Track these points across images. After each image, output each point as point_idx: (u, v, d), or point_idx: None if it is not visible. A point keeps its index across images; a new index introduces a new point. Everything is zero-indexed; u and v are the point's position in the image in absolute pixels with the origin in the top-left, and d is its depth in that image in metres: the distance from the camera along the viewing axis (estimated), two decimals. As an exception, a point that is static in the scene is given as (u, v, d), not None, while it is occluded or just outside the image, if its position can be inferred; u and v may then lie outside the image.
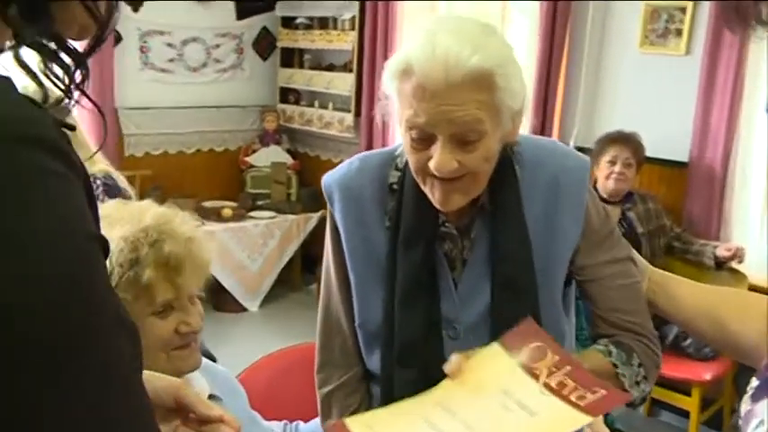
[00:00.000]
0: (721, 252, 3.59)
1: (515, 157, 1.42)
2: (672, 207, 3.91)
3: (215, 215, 5.14)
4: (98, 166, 2.70)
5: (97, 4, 0.70)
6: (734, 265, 3.61)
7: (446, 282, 1.45)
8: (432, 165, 1.28)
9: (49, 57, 0.67)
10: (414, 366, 1.42)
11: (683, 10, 3.85)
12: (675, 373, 3.33)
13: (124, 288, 1.32)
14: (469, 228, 1.44)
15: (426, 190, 1.35)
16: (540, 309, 1.40)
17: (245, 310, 5.24)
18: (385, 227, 1.46)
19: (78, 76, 0.70)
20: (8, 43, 0.66)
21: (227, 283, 5.08)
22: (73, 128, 0.69)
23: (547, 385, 1.12)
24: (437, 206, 1.36)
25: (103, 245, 0.63)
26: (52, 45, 0.68)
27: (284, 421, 1.78)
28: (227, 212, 5.16)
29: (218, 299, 5.15)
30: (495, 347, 1.19)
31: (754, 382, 0.97)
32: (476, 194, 1.37)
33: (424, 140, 1.29)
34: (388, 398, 1.45)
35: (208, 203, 5.30)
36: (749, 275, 3.59)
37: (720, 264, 3.60)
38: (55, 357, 0.56)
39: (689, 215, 3.90)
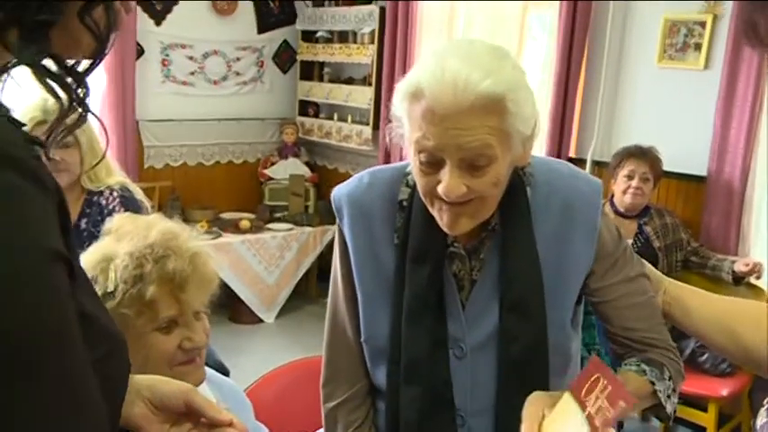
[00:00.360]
0: (739, 267, 3.57)
1: (527, 179, 1.42)
2: (689, 221, 3.93)
3: (233, 227, 5.18)
4: (115, 178, 2.72)
5: (98, 25, 0.74)
6: (752, 280, 3.59)
7: (454, 301, 1.44)
8: (440, 189, 1.26)
9: (47, 76, 0.71)
10: (419, 384, 1.42)
11: (703, 24, 3.86)
12: (692, 388, 3.31)
13: (128, 303, 1.33)
14: (479, 249, 1.43)
15: (434, 213, 1.34)
16: (547, 331, 1.40)
17: (261, 321, 5.26)
18: (393, 243, 1.46)
19: (80, 93, 0.73)
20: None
21: (243, 294, 5.11)
22: (42, 144, 0.71)
23: (589, 416, 1.13)
24: (445, 230, 1.35)
25: (65, 260, 0.66)
26: (51, 65, 0.71)
27: None
28: (244, 224, 5.19)
29: (235, 310, 5.21)
30: (565, 397, 1.20)
31: None
32: (484, 218, 1.36)
33: (432, 164, 1.27)
34: (394, 414, 1.47)
35: (226, 215, 5.37)
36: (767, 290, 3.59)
37: (738, 279, 3.59)
38: None
39: (707, 230, 3.91)
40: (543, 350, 1.41)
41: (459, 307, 1.44)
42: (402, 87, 1.28)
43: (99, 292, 1.31)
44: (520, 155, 1.33)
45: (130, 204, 2.66)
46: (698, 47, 3.90)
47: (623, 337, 1.44)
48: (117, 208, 2.63)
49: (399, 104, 1.30)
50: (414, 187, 1.43)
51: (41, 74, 0.70)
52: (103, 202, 2.66)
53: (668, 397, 1.40)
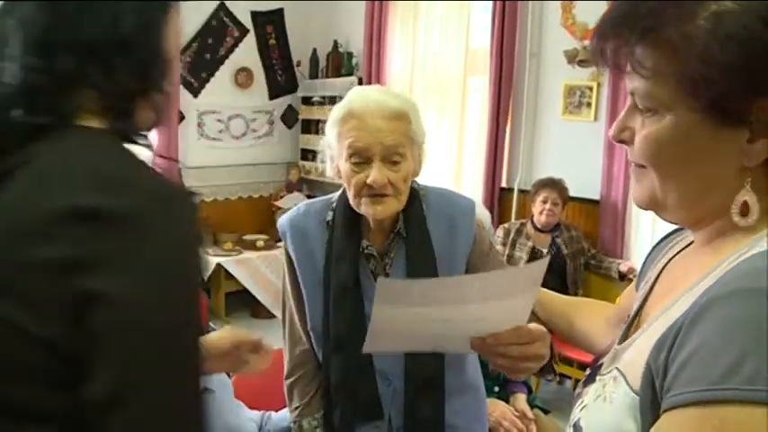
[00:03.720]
0: (622, 268, 3.75)
1: (423, 199, 1.46)
2: (588, 234, 4.04)
3: (252, 246, 5.21)
4: None
5: (162, 106, 0.87)
6: (631, 277, 3.67)
7: (371, 291, 1.34)
8: (370, 180, 1.30)
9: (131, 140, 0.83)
10: (343, 352, 1.41)
11: (591, 89, 4.04)
12: (579, 356, 3.44)
13: None
14: (389, 250, 1.43)
15: (362, 209, 1.35)
16: None
17: (274, 317, 5.12)
18: (324, 252, 1.44)
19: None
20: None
21: (260, 296, 5.10)
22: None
23: None
24: (370, 216, 1.35)
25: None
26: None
27: (261, 411, 1.69)
28: (260, 243, 5.22)
29: (254, 309, 5.23)
30: None
31: (588, 372, 0.94)
32: (394, 210, 1.36)
33: (361, 164, 1.31)
34: (328, 379, 1.46)
35: (246, 237, 5.35)
36: (642, 284, 3.77)
37: (623, 276, 3.73)
38: None
39: (601, 240, 4.04)
40: None
41: None
42: (334, 116, 1.34)
43: None
44: (417, 164, 1.39)
45: None
46: (589, 105, 4.06)
47: None
48: None
49: (330, 131, 1.36)
50: (335, 210, 1.45)
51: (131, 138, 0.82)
52: None
53: (552, 356, 1.34)
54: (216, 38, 5.30)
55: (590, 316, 1.27)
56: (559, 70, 4.19)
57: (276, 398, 1.74)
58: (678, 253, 0.90)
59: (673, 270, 0.88)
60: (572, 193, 3.96)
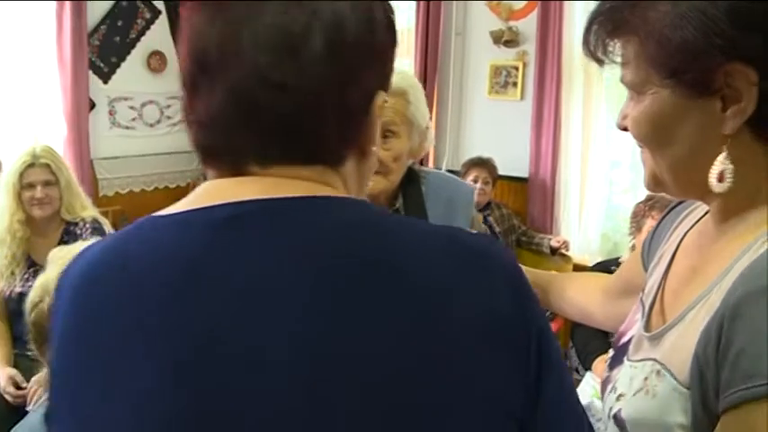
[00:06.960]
0: (554, 243, 3.84)
1: (422, 180, 1.49)
2: (518, 211, 4.10)
3: None
4: (88, 212, 2.66)
5: None
6: (563, 251, 3.85)
7: None
8: None
9: None
10: None
11: (517, 68, 4.09)
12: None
13: None
14: None
15: None
16: None
17: None
18: None
19: None
20: None
21: None
22: None
23: None
24: None
25: None
26: None
27: None
28: None
29: None
30: None
31: (611, 353, 0.94)
32: (381, 188, 1.38)
33: None
34: None
35: None
36: (573, 258, 3.84)
37: (554, 251, 3.83)
38: None
39: (531, 216, 4.11)
40: None
41: None
42: None
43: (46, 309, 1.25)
44: (417, 147, 1.41)
45: (100, 234, 2.52)
46: (515, 84, 4.11)
47: None
48: (89, 237, 2.50)
49: None
50: None
51: None
52: (78, 231, 2.56)
53: None
54: (126, 20, 5.04)
55: (582, 288, 1.29)
56: (485, 50, 4.21)
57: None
58: (692, 228, 0.88)
59: (690, 250, 0.86)
60: (501, 172, 3.99)
